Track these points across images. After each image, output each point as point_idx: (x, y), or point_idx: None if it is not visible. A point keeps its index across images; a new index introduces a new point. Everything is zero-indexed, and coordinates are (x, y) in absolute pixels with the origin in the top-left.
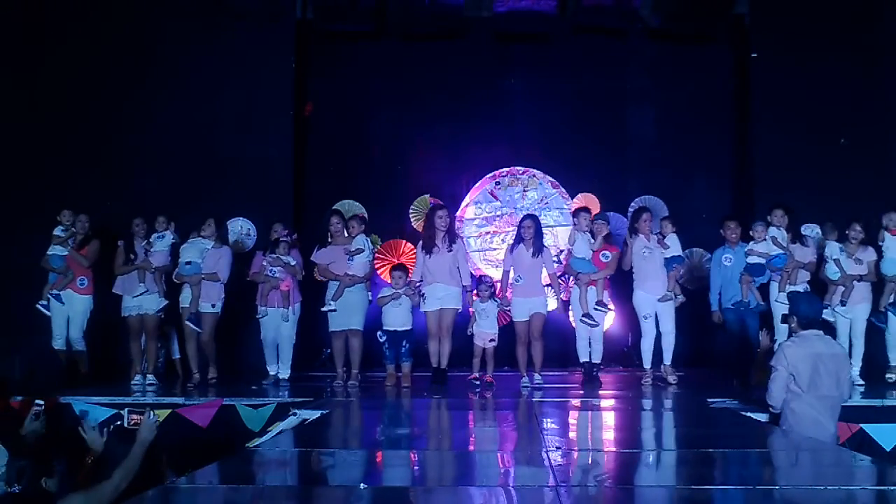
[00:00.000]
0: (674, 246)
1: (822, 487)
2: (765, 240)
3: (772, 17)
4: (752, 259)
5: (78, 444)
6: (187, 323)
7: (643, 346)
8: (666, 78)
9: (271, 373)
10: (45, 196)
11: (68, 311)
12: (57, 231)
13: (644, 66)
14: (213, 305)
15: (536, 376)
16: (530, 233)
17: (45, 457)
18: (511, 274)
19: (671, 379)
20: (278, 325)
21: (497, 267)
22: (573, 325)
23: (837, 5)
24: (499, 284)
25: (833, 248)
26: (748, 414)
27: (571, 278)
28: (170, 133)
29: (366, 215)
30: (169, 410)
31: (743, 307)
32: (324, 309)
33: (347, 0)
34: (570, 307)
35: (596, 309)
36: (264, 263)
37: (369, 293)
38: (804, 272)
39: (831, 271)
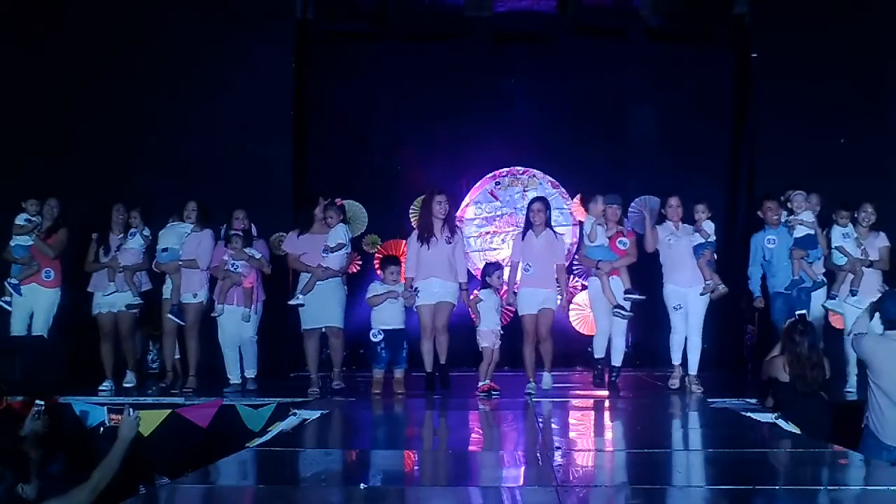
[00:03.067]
0: (704, 232)
1: (821, 487)
2: (807, 210)
3: (772, 17)
4: (800, 231)
5: (78, 444)
6: (169, 316)
7: (672, 340)
8: (666, 78)
9: (232, 380)
10: (44, 195)
11: (32, 305)
12: (19, 220)
13: (644, 66)
14: (195, 295)
15: (547, 376)
16: (541, 217)
17: (23, 463)
18: (520, 265)
19: (695, 389)
20: (239, 325)
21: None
22: (576, 328)
23: (838, 5)
24: (505, 279)
25: (836, 234)
26: (748, 414)
27: (573, 277)
28: (169, 132)
29: (345, 204)
30: (169, 410)
31: (795, 287)
32: (291, 302)
33: (347, 0)
34: (590, 303)
35: (626, 299)
36: (225, 258)
37: (345, 287)
38: (819, 265)
39: (836, 257)
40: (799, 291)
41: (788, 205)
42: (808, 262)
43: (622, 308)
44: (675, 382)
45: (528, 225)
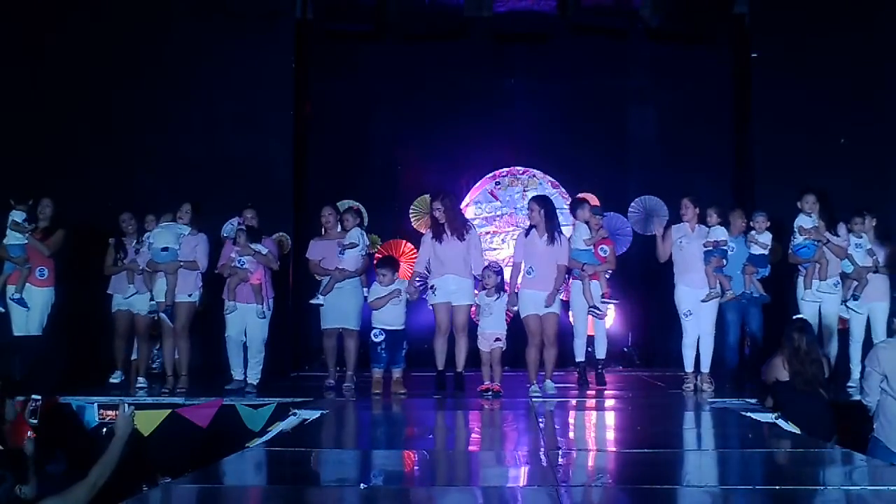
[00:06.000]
0: (714, 237)
1: (822, 488)
2: (766, 231)
3: (772, 17)
4: (756, 250)
5: (78, 443)
6: (162, 315)
7: (685, 347)
8: (666, 78)
9: (236, 378)
10: (44, 196)
11: (28, 305)
12: (17, 217)
13: (644, 66)
14: (190, 295)
15: (549, 384)
16: (537, 217)
17: (22, 464)
18: (523, 266)
19: (706, 387)
20: (247, 322)
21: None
22: (572, 322)
23: (837, 5)
24: (508, 280)
25: (850, 243)
26: (748, 414)
27: (570, 277)
28: (169, 133)
29: (361, 208)
30: (169, 410)
31: (745, 299)
32: (312, 301)
33: (347, 0)
34: (570, 305)
35: (603, 301)
36: (232, 255)
37: (365, 290)
38: (835, 265)
39: (844, 265)
40: (749, 301)
41: (798, 205)
42: (757, 278)
43: (597, 308)
44: (689, 387)
45: (531, 225)
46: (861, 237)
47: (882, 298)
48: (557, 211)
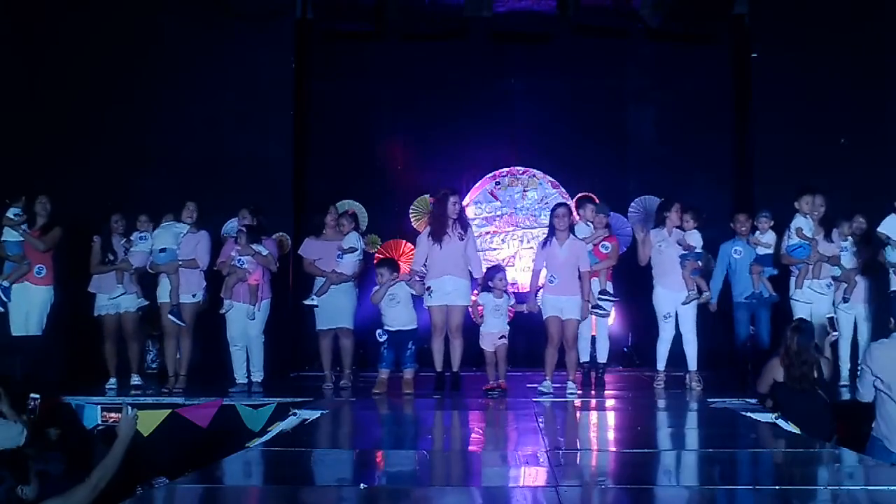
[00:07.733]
0: (688, 241)
1: (822, 487)
2: (770, 230)
3: (772, 17)
4: (761, 250)
5: (78, 443)
6: (170, 317)
7: (659, 347)
8: (666, 78)
9: (238, 380)
10: (35, 193)
11: (26, 304)
12: (9, 213)
13: (644, 66)
14: (194, 295)
15: (570, 384)
16: (564, 223)
17: (22, 464)
18: (543, 273)
19: (695, 385)
20: (246, 322)
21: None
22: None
23: (837, 5)
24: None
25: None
26: (748, 414)
27: None
28: (169, 133)
29: (357, 213)
30: (169, 410)
31: (756, 299)
32: (306, 302)
33: (347, 0)
34: None
35: (601, 299)
36: (232, 253)
37: (357, 290)
38: (827, 266)
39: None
40: (759, 302)
41: (795, 205)
42: (765, 277)
43: (599, 307)
44: (659, 384)
45: (552, 232)
46: (846, 240)
47: (864, 301)
48: None
